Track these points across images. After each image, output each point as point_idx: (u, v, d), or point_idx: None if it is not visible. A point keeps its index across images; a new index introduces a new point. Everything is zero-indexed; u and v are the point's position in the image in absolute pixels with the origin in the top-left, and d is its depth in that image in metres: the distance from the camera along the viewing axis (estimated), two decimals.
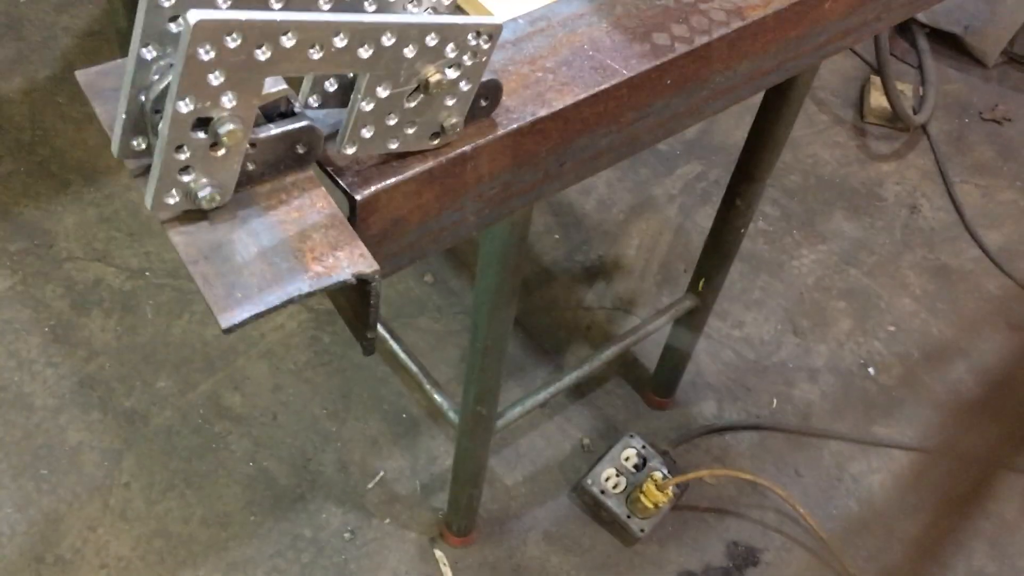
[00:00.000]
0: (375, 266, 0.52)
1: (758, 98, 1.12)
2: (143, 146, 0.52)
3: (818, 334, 1.73)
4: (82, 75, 0.57)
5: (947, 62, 2.26)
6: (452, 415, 1.21)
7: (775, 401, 1.64)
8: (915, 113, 2.07)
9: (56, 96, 1.86)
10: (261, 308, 0.49)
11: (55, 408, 1.48)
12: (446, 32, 0.53)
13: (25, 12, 1.99)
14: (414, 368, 1.30)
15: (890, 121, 2.08)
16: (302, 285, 0.51)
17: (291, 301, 0.50)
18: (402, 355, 1.33)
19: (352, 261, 0.52)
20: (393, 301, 1.65)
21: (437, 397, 1.24)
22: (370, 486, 1.45)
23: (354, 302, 0.56)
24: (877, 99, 2.08)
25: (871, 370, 1.70)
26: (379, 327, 1.40)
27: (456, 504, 1.35)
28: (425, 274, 1.69)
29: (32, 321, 1.56)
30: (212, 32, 0.44)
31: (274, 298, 0.50)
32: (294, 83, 0.56)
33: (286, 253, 0.52)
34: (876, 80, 2.09)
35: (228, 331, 0.48)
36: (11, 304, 1.58)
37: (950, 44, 2.26)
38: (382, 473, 1.47)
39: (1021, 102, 2.20)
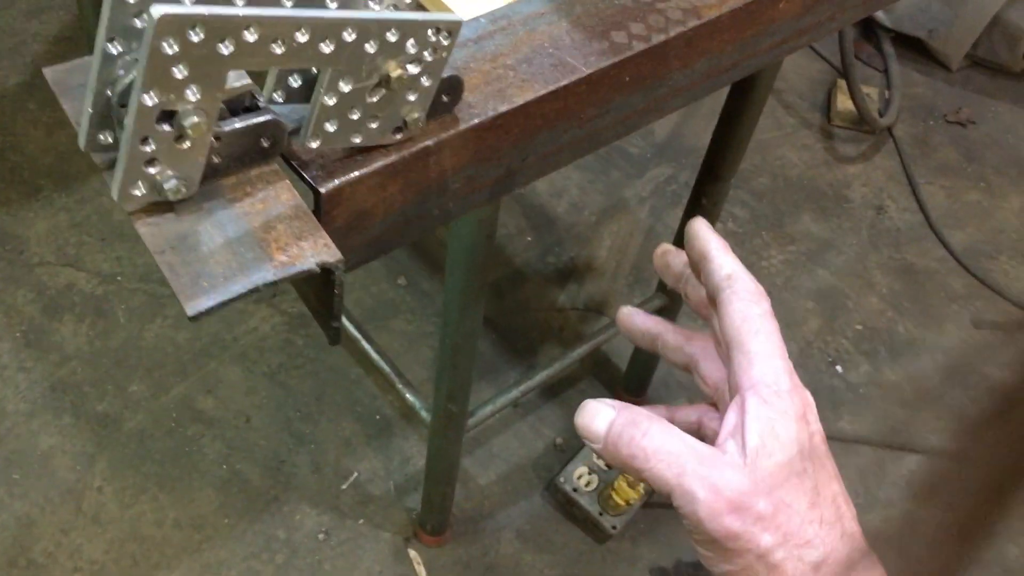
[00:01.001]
0: (338, 255, 0.53)
1: (724, 99, 1.15)
2: (110, 140, 0.53)
3: (787, 333, 1.74)
4: (50, 72, 0.58)
5: (912, 66, 2.30)
6: (424, 414, 1.22)
7: None
8: (881, 116, 2.11)
9: (27, 102, 1.86)
10: (226, 296, 0.50)
11: (27, 413, 1.48)
12: (406, 28, 0.54)
13: None
14: (387, 368, 1.32)
15: (856, 124, 2.12)
16: (267, 274, 0.52)
17: (256, 290, 0.51)
18: (375, 356, 1.34)
19: (316, 250, 0.53)
20: (366, 303, 1.66)
21: (409, 396, 1.26)
22: (344, 487, 1.46)
23: (319, 292, 0.57)
24: (843, 102, 2.11)
25: (839, 368, 1.73)
26: (353, 329, 1.41)
27: (429, 503, 1.36)
28: (398, 276, 1.71)
29: (3, 326, 1.56)
30: (175, 26, 0.46)
31: (239, 287, 0.51)
32: (259, 79, 0.57)
33: (251, 243, 0.53)
34: (842, 84, 2.13)
35: (194, 319, 0.49)
36: None
37: (915, 48, 2.31)
38: (356, 474, 1.48)
39: (985, 105, 2.25)
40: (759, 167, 2.02)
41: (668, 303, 1.39)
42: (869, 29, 2.31)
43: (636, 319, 0.58)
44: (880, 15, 2.26)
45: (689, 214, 1.28)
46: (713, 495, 0.44)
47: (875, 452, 1.63)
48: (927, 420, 1.69)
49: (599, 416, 0.48)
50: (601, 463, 1.47)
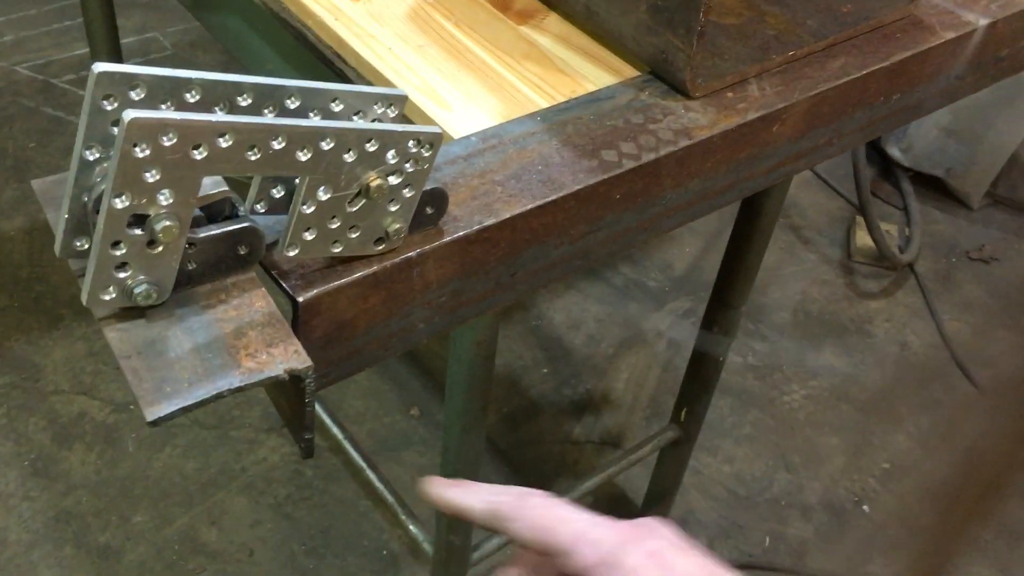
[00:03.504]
0: (308, 362, 0.52)
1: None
2: (85, 246, 0.53)
3: (811, 470, 1.70)
4: (37, 184, 0.59)
5: (932, 204, 2.30)
6: (427, 547, 1.18)
7: (768, 539, 1.59)
8: (901, 252, 2.10)
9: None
10: (189, 402, 0.49)
11: (28, 543, 1.45)
12: (385, 139, 0.55)
13: (33, 156, 2.07)
14: (391, 500, 1.28)
15: (877, 260, 2.11)
16: (233, 380, 0.50)
17: (220, 395, 0.50)
18: (380, 487, 1.31)
19: (285, 357, 0.52)
20: (378, 434, 1.64)
21: (412, 528, 1.22)
22: None
23: (291, 401, 0.56)
24: (863, 238, 2.11)
25: (866, 508, 1.66)
26: (360, 460, 1.38)
27: None
28: (411, 407, 1.69)
29: (13, 455, 1.55)
30: (147, 130, 0.46)
31: (203, 392, 0.50)
32: (242, 190, 0.57)
33: (220, 349, 0.52)
34: (861, 220, 2.13)
35: (153, 424, 0.48)
36: None
37: (934, 187, 2.32)
38: None
39: (1008, 242, 2.24)
40: (779, 302, 2.01)
41: (682, 434, 1.35)
42: (887, 168, 2.33)
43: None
44: (897, 154, 2.28)
45: (701, 342, 1.26)
46: None
47: None
48: (960, 563, 1.61)
49: None
50: None
